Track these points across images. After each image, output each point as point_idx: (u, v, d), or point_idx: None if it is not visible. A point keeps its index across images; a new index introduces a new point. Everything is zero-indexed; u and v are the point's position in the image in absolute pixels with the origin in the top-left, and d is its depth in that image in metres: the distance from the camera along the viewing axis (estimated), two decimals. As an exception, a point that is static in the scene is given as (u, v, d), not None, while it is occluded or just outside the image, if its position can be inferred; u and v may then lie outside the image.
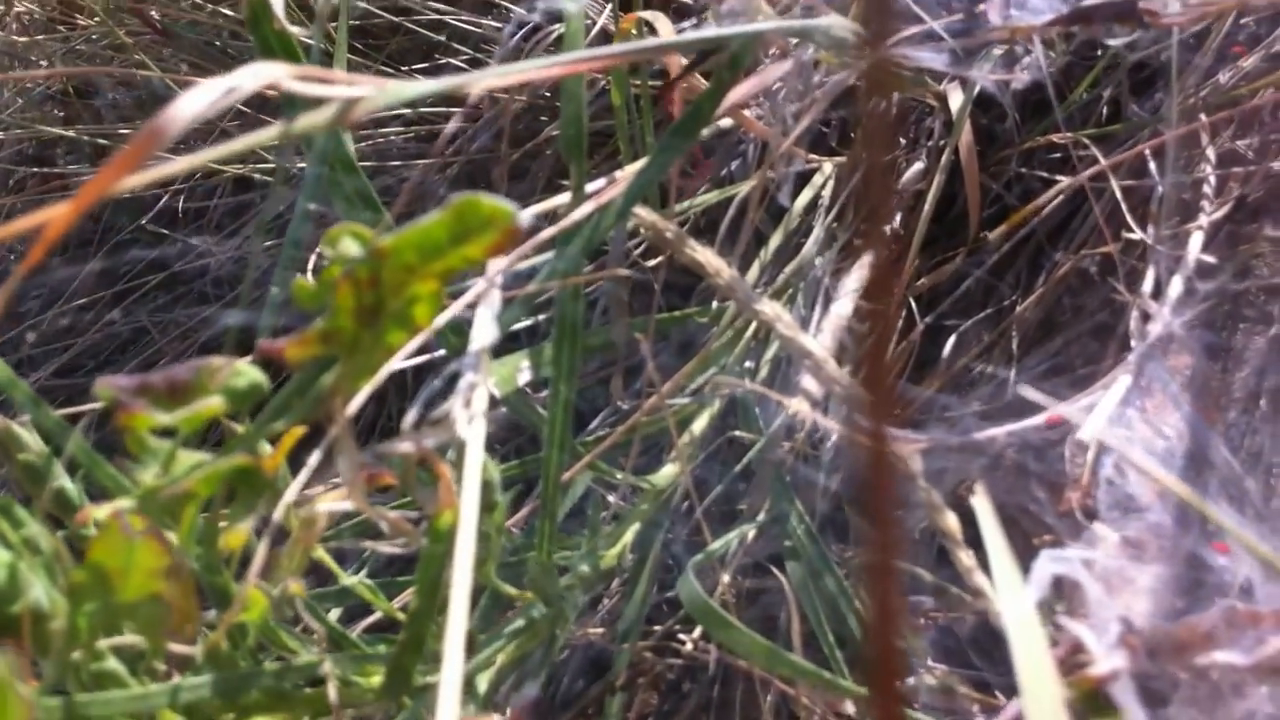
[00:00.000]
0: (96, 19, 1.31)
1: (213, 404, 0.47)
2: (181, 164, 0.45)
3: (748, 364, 0.95)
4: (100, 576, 0.44)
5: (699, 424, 0.90)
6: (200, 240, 1.37)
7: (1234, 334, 0.91)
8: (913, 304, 0.99)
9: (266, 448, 0.53)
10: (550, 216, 0.71)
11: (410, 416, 0.55)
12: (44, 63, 1.47)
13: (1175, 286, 0.81)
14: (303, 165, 1.05)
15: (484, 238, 0.46)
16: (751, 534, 0.85)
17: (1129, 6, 0.68)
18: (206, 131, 1.25)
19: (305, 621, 0.58)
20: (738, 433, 0.90)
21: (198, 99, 0.38)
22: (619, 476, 0.84)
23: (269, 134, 0.44)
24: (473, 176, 1.22)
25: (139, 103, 1.42)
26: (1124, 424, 0.75)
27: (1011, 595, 0.48)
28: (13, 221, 0.40)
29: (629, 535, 0.82)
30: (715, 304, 0.97)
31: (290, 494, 0.54)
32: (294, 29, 0.64)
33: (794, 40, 0.83)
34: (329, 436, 0.51)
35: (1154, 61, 0.99)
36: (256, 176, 1.30)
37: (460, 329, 0.70)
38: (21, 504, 0.54)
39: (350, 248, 0.47)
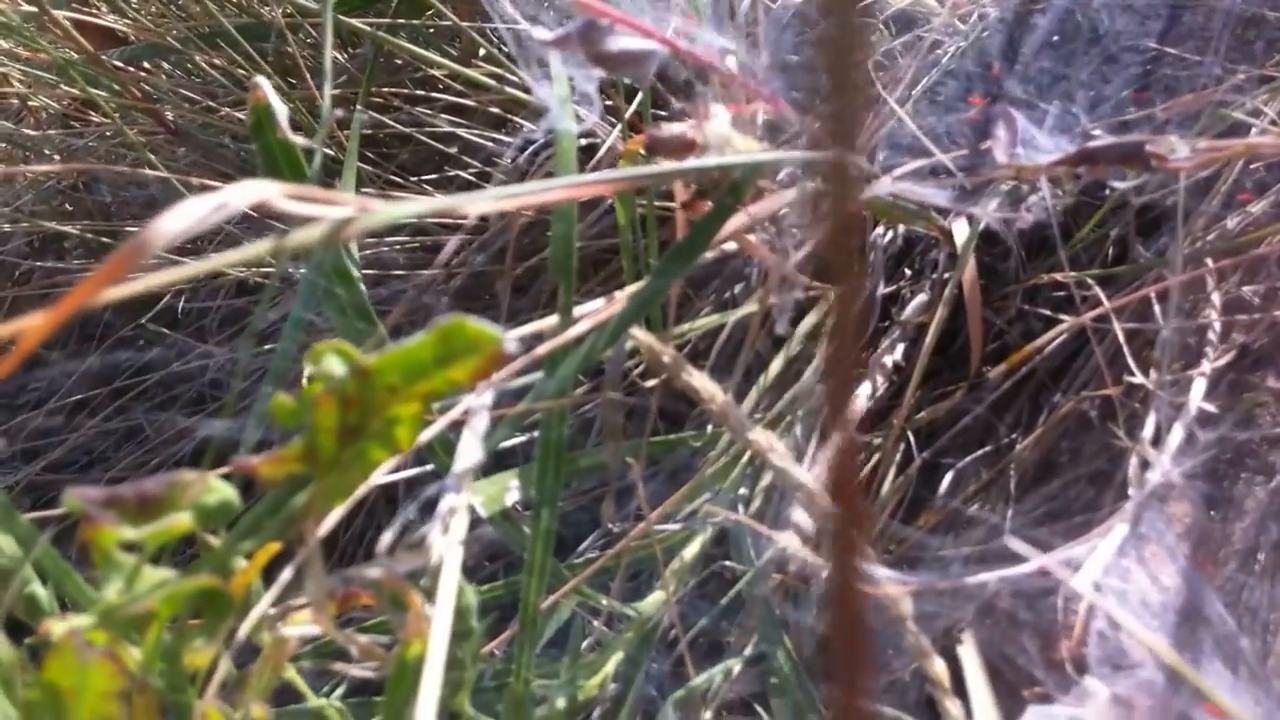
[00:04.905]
0: (110, 117, 1.32)
1: (181, 521, 0.46)
2: (169, 275, 0.44)
3: (741, 492, 0.93)
4: (53, 696, 0.43)
5: (688, 552, 0.88)
6: (199, 342, 1.36)
7: (1234, 484, 0.90)
8: (911, 438, 0.98)
9: (241, 563, 0.52)
10: (544, 335, 0.71)
11: (386, 538, 0.54)
12: (56, 157, 1.48)
13: (1176, 434, 0.80)
14: (304, 271, 1.05)
15: (469, 361, 0.46)
16: (736, 669, 0.83)
17: (1135, 149, 0.68)
18: (214, 233, 1.25)
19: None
20: (728, 563, 0.89)
21: (184, 215, 0.38)
22: (604, 602, 0.82)
23: (258, 249, 0.43)
24: (475, 290, 1.22)
25: (149, 201, 1.42)
26: (1119, 573, 0.73)
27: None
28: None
29: (611, 665, 0.81)
30: (709, 429, 0.96)
31: (258, 612, 0.53)
32: (301, 140, 0.64)
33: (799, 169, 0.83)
34: (299, 557, 0.50)
35: (1161, 204, 0.99)
36: (259, 280, 1.30)
37: (449, 445, 0.69)
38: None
39: (333, 365, 0.47)
